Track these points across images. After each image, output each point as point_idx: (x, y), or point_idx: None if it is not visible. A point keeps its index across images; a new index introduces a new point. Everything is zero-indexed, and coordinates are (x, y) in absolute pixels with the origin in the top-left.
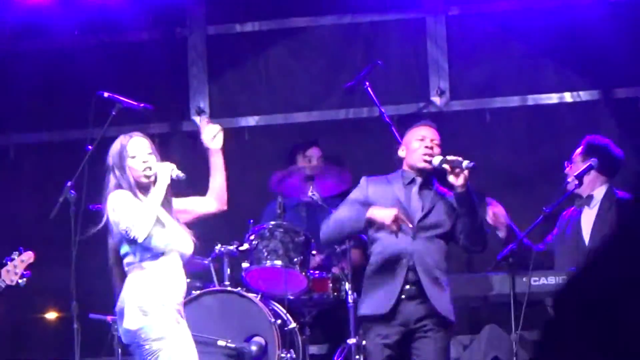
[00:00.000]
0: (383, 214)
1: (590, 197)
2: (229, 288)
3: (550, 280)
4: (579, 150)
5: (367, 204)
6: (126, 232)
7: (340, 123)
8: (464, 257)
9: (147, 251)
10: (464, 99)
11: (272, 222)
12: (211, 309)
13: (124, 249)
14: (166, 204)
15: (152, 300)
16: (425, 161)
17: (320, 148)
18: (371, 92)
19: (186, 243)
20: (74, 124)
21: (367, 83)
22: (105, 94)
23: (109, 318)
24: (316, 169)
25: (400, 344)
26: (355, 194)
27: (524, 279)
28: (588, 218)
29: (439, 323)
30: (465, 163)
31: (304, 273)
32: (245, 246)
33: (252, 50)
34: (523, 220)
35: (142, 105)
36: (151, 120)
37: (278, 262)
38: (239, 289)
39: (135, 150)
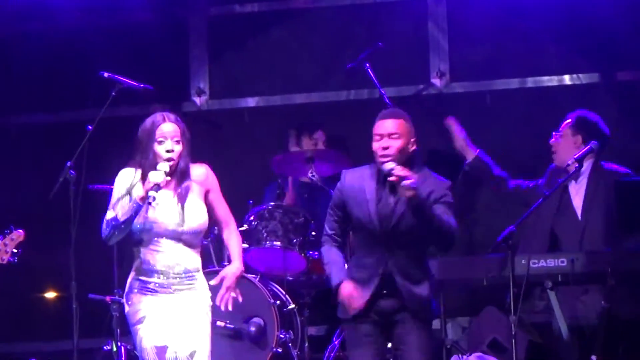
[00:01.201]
0: (347, 303)
1: (577, 172)
2: None
3: (549, 263)
4: (568, 121)
5: (342, 206)
6: (101, 226)
7: (341, 104)
8: (464, 239)
9: (134, 235)
10: (464, 81)
11: (272, 203)
12: (210, 289)
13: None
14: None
15: (129, 288)
16: (382, 163)
17: (324, 131)
18: (372, 74)
19: (185, 222)
20: (75, 104)
21: (368, 65)
22: (106, 75)
23: (108, 298)
24: (316, 150)
25: (379, 332)
26: (334, 197)
27: (523, 261)
28: (578, 192)
29: (414, 316)
30: (406, 182)
31: (303, 254)
32: (245, 227)
33: (252, 31)
34: (522, 202)
35: (142, 85)
36: (151, 100)
37: (277, 243)
38: None
39: (164, 135)
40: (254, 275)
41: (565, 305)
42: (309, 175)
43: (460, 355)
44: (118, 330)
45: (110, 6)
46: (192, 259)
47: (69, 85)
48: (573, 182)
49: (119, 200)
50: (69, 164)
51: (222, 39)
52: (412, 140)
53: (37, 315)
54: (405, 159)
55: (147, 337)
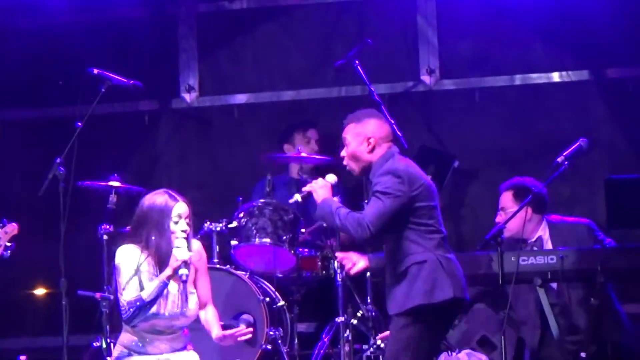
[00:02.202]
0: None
1: (539, 239)
2: (218, 266)
3: (539, 260)
4: (508, 197)
5: None
6: (121, 310)
7: (331, 101)
8: (453, 237)
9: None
10: (453, 78)
11: (261, 200)
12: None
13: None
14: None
15: (124, 357)
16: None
17: (317, 130)
18: (361, 71)
19: (183, 313)
20: (64, 100)
21: (357, 62)
22: (95, 71)
23: (97, 295)
24: (307, 150)
25: None
26: None
27: (512, 258)
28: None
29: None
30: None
31: (292, 251)
32: (234, 224)
33: (241, 28)
34: None
35: (131, 82)
36: (141, 97)
37: (267, 240)
38: (228, 266)
39: (180, 215)
40: (243, 272)
41: (555, 302)
42: (298, 173)
43: (449, 353)
44: (107, 326)
45: (99, 2)
46: (179, 341)
47: (57, 82)
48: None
49: (131, 279)
50: (58, 160)
51: (211, 35)
52: (364, 140)
53: (26, 312)
54: (363, 161)
55: None
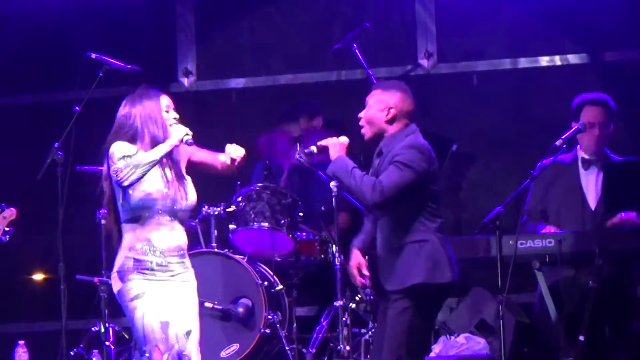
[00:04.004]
0: None
1: (599, 161)
2: (216, 250)
3: (537, 243)
4: (604, 112)
5: None
6: (115, 173)
7: (330, 85)
8: (451, 220)
9: (132, 212)
10: (451, 62)
11: (259, 184)
12: (198, 270)
13: (118, 203)
14: (170, 162)
15: (121, 267)
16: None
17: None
18: (359, 54)
19: (184, 199)
20: (62, 85)
21: (355, 45)
22: (93, 55)
23: (95, 279)
24: (304, 130)
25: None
26: None
27: (511, 242)
28: (593, 180)
29: (388, 293)
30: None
31: (290, 235)
32: (232, 208)
33: (239, 11)
34: (510, 183)
35: (129, 66)
36: (138, 81)
37: (265, 224)
38: (226, 250)
39: (167, 104)
40: (241, 257)
41: (553, 285)
42: (297, 156)
43: (448, 336)
44: (106, 311)
45: None
46: (184, 237)
47: (55, 66)
48: (591, 169)
49: (126, 154)
50: (56, 144)
51: (209, 19)
52: (385, 109)
53: (24, 297)
54: (377, 127)
55: (150, 312)
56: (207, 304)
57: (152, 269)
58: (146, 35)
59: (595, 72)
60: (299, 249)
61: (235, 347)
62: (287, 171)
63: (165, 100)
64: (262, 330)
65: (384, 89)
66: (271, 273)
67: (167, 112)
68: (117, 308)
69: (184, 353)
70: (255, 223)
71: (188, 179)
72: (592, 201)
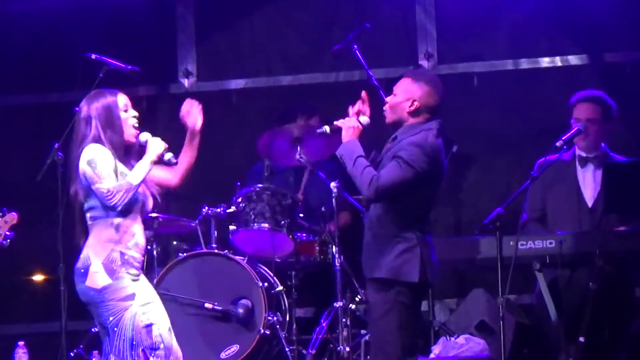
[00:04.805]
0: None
1: (598, 158)
2: (216, 250)
3: (537, 244)
4: (598, 110)
5: None
6: (106, 197)
7: (329, 86)
8: (451, 220)
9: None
10: (452, 63)
11: (259, 185)
12: (198, 271)
13: (90, 202)
14: None
15: (118, 259)
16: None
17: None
18: (359, 55)
19: (148, 202)
20: (62, 85)
21: (355, 46)
22: (93, 56)
23: None
24: (304, 130)
25: None
26: None
27: (511, 243)
28: (590, 178)
29: (370, 281)
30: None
31: (291, 236)
32: (233, 208)
33: (240, 12)
34: (511, 184)
35: (129, 67)
36: (139, 82)
37: (265, 225)
38: (226, 251)
39: (125, 103)
40: (241, 257)
41: (553, 286)
42: (297, 157)
43: (447, 337)
44: None
45: None
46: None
47: (55, 67)
48: (588, 166)
49: (109, 170)
50: (56, 145)
51: (209, 20)
52: (409, 99)
53: (24, 298)
54: (398, 115)
55: (139, 314)
56: (207, 305)
57: (135, 265)
58: (146, 36)
59: (595, 73)
60: (299, 250)
61: (235, 348)
62: (280, 171)
63: (123, 99)
64: (262, 331)
65: (414, 79)
66: (271, 274)
67: (126, 111)
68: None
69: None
70: (255, 224)
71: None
72: (589, 199)
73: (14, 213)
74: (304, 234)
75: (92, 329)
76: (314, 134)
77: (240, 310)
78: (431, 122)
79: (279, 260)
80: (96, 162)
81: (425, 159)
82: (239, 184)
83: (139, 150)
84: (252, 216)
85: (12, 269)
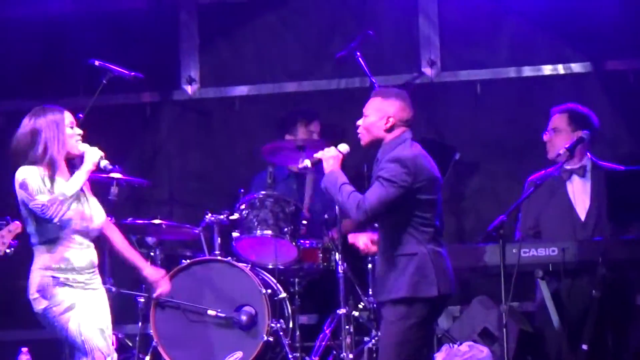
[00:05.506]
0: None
1: (583, 168)
2: (219, 257)
3: (540, 252)
4: (561, 115)
5: None
6: (42, 210)
7: (331, 93)
8: (454, 228)
9: (48, 233)
10: (455, 70)
11: (263, 192)
12: (201, 278)
13: (30, 228)
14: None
15: (40, 286)
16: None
17: (320, 122)
18: (362, 62)
19: (95, 218)
20: (65, 92)
21: (359, 53)
22: (97, 63)
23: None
24: (308, 139)
25: None
26: None
27: (514, 250)
28: (579, 190)
29: (383, 305)
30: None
31: (294, 243)
32: (236, 215)
33: (243, 19)
34: (514, 192)
35: (132, 73)
36: (142, 88)
37: (268, 232)
38: (229, 258)
39: (71, 120)
40: (244, 264)
41: (556, 294)
42: (299, 165)
43: (451, 345)
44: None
45: None
46: (95, 254)
47: (59, 73)
48: (577, 177)
49: (41, 186)
50: None
51: (212, 27)
52: (384, 116)
53: (27, 304)
54: (374, 135)
55: (86, 321)
56: (210, 312)
57: (71, 285)
58: (150, 43)
59: (598, 80)
60: (302, 257)
61: (238, 355)
62: (283, 179)
63: (69, 117)
64: (266, 338)
65: (384, 97)
66: (274, 281)
67: (72, 128)
68: (123, 315)
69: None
70: (258, 231)
71: (94, 200)
72: (581, 212)
73: (17, 222)
74: (307, 241)
75: None
76: (319, 144)
77: (244, 317)
78: (405, 134)
79: (282, 267)
80: (27, 182)
81: (404, 171)
82: (242, 190)
83: (80, 163)
84: (256, 223)
85: (15, 275)
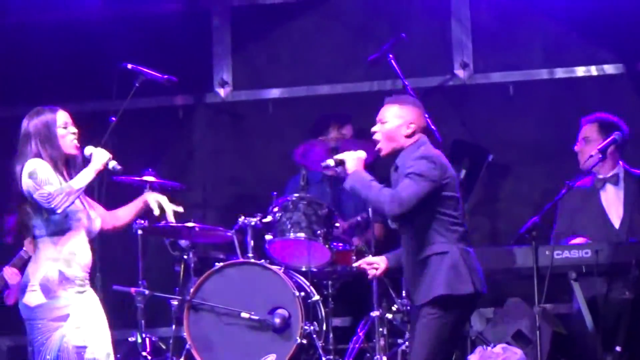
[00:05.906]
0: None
1: (616, 176)
2: (252, 260)
3: (573, 254)
4: (593, 128)
5: None
6: (46, 199)
7: (364, 95)
8: (487, 230)
9: (56, 225)
10: (487, 72)
11: (296, 195)
12: (234, 281)
13: (35, 220)
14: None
15: (45, 279)
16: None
17: (353, 126)
18: (395, 65)
19: (94, 222)
20: (98, 95)
21: (391, 55)
22: (129, 66)
23: (132, 290)
24: (340, 141)
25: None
26: None
27: (547, 252)
28: (613, 198)
29: (418, 306)
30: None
31: (327, 245)
32: (269, 218)
33: (275, 22)
34: (547, 194)
35: (165, 77)
36: (174, 92)
37: (301, 234)
38: (262, 261)
39: (65, 120)
40: (278, 267)
41: (590, 296)
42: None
43: (484, 347)
44: (142, 321)
45: None
46: (91, 257)
47: (92, 76)
48: (611, 185)
49: (51, 176)
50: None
51: (245, 29)
52: (405, 122)
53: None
54: (395, 142)
55: (69, 336)
56: (243, 314)
57: (78, 284)
58: (183, 46)
59: (631, 81)
60: (335, 260)
61: (271, 357)
62: (317, 182)
63: (62, 117)
64: (299, 341)
65: (402, 104)
66: (307, 283)
67: (65, 127)
68: (157, 318)
69: None
70: (291, 233)
71: (97, 206)
72: (615, 221)
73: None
74: (340, 244)
75: (129, 339)
76: (351, 144)
77: (277, 320)
78: (421, 139)
79: (315, 270)
80: (36, 172)
81: (434, 167)
82: (275, 193)
83: (84, 165)
84: (289, 226)
85: None
